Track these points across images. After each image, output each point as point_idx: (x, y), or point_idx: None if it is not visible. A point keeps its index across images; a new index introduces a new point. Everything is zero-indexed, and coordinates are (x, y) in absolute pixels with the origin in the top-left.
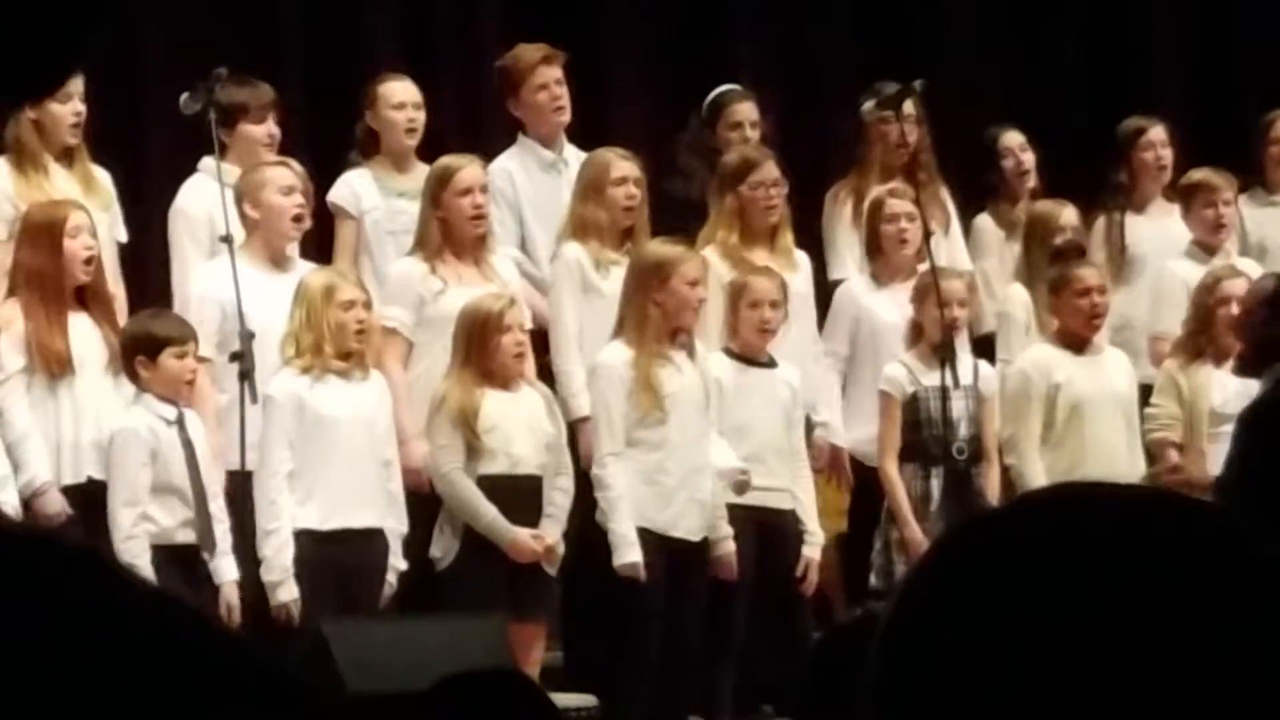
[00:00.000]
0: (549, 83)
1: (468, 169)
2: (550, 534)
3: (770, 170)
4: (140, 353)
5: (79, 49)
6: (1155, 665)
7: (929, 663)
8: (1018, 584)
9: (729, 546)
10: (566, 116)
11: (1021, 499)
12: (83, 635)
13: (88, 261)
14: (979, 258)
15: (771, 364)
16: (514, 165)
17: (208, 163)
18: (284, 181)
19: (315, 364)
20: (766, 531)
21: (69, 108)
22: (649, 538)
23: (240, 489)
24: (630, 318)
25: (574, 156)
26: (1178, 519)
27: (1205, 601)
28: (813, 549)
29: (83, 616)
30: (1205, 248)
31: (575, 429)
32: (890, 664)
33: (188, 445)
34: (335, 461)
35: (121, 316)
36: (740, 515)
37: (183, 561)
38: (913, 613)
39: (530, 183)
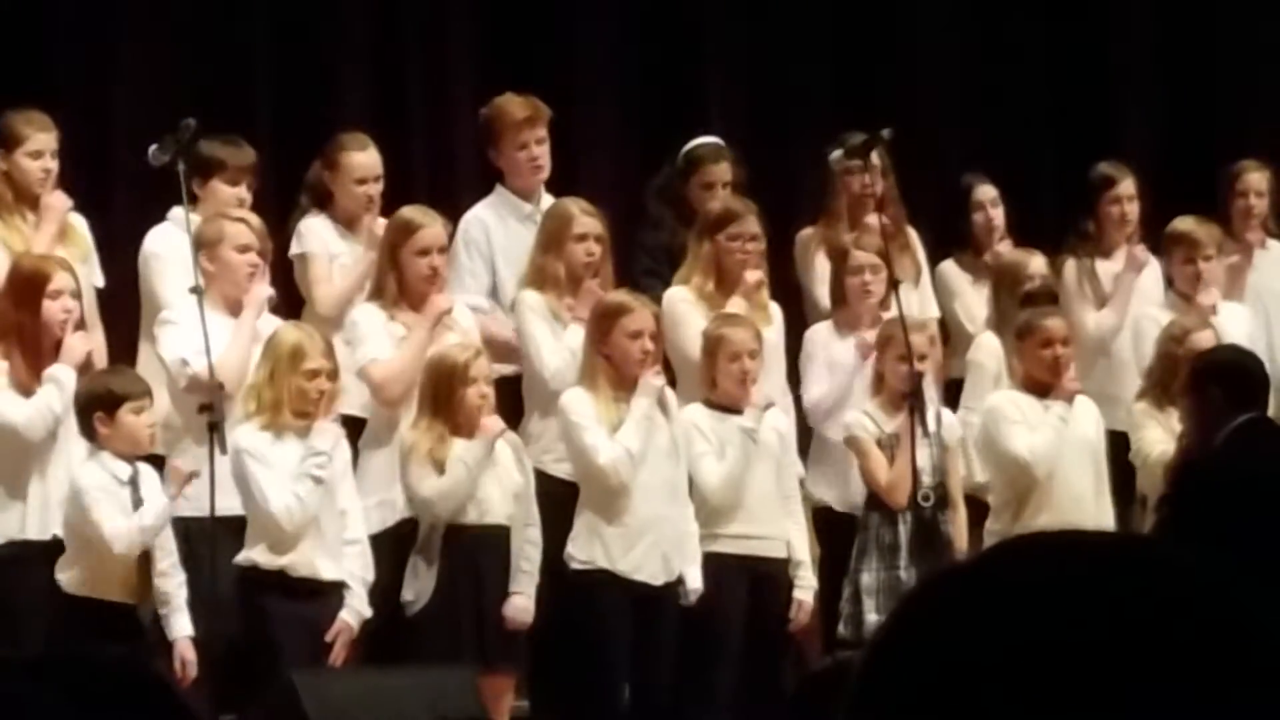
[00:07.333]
0: (529, 143)
1: (429, 229)
2: (525, 590)
3: (751, 224)
4: (99, 409)
5: None
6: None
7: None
8: (985, 634)
9: (695, 576)
10: (544, 175)
11: (992, 549)
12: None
13: (64, 323)
14: (950, 301)
15: None
16: (489, 215)
17: (177, 213)
18: (241, 239)
19: (274, 422)
20: (758, 581)
21: (39, 164)
22: (612, 581)
23: (199, 533)
24: (585, 367)
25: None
26: (1147, 567)
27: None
28: (804, 592)
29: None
30: (1186, 298)
31: (542, 477)
32: (861, 713)
33: (138, 505)
34: None
35: (100, 365)
36: (732, 565)
37: (111, 617)
38: (883, 664)
39: (504, 232)
